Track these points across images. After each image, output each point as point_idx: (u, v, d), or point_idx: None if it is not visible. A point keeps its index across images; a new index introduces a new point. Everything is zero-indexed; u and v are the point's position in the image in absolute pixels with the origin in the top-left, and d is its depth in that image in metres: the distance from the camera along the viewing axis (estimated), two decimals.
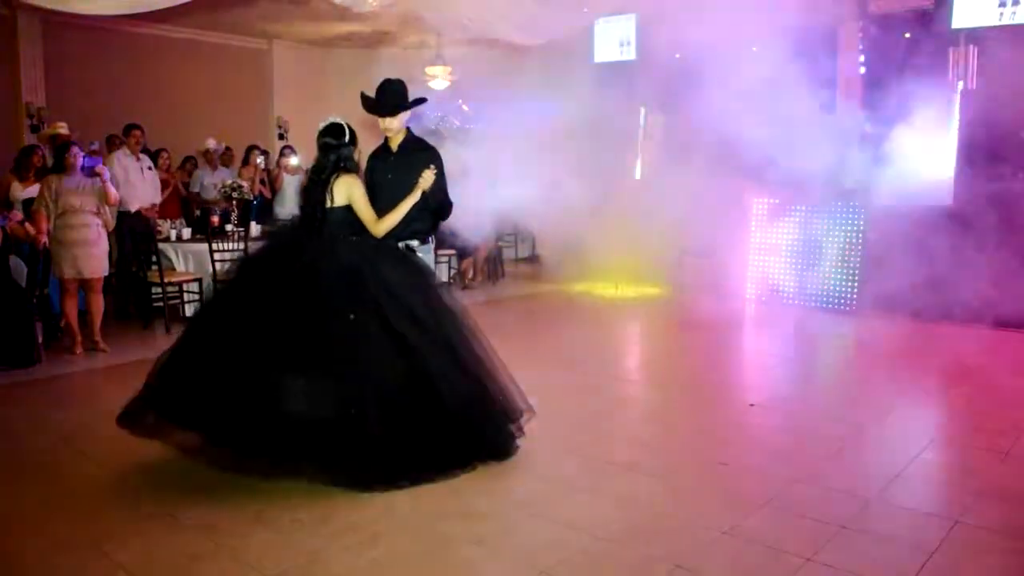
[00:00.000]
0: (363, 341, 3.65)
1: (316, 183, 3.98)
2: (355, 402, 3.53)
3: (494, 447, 3.85)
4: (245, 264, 4.27)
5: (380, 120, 4.22)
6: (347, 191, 3.93)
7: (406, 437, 3.59)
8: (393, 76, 4.30)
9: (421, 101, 4.36)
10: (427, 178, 4.07)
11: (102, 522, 3.26)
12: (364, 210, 3.97)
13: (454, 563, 2.95)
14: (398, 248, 4.11)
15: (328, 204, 3.92)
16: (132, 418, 3.74)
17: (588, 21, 9.06)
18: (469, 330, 3.99)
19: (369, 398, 3.55)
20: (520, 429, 3.97)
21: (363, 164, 4.47)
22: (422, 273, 4.08)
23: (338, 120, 4.02)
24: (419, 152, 4.23)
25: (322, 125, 4.02)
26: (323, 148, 4.00)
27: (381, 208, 4.08)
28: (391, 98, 4.18)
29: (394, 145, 4.27)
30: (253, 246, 5.94)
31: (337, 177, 3.94)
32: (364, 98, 4.24)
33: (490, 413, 3.86)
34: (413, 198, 4.05)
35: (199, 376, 3.64)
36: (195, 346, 3.80)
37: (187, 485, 3.57)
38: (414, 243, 4.23)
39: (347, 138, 3.99)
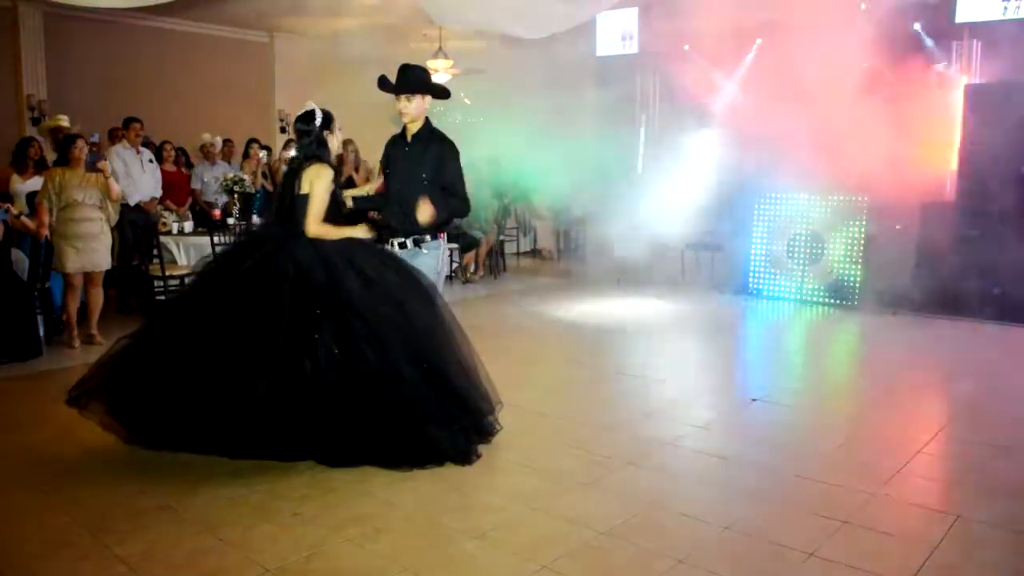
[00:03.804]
0: (304, 335, 3.63)
1: (291, 171, 4.02)
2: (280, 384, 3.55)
3: (450, 449, 3.77)
4: (218, 259, 4.28)
5: (396, 102, 4.16)
6: (311, 179, 3.89)
7: (342, 423, 3.61)
8: (394, 69, 4.23)
9: (443, 91, 4.30)
10: (424, 212, 3.99)
11: (102, 515, 3.26)
12: (316, 202, 3.86)
13: (456, 557, 2.94)
14: (363, 240, 4.04)
15: (296, 191, 3.92)
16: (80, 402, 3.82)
17: (591, 14, 9.02)
18: (440, 325, 3.93)
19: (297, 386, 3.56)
20: (483, 433, 3.94)
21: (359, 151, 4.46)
22: (388, 265, 3.99)
23: (311, 107, 4.02)
24: (434, 143, 4.16)
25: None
26: (297, 135, 4.04)
27: (395, 191, 4.16)
28: (410, 79, 4.14)
29: (410, 133, 4.21)
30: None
31: (309, 165, 3.93)
32: (382, 79, 4.21)
33: (447, 411, 3.79)
34: (359, 232, 3.96)
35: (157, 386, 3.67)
36: (154, 349, 3.79)
37: (187, 478, 3.56)
38: (427, 238, 4.18)
39: (318, 123, 3.98)
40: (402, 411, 3.67)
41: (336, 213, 3.99)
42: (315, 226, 3.86)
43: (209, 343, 3.63)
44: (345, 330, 3.68)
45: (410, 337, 3.78)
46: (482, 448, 3.91)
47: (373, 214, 7.88)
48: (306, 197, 3.86)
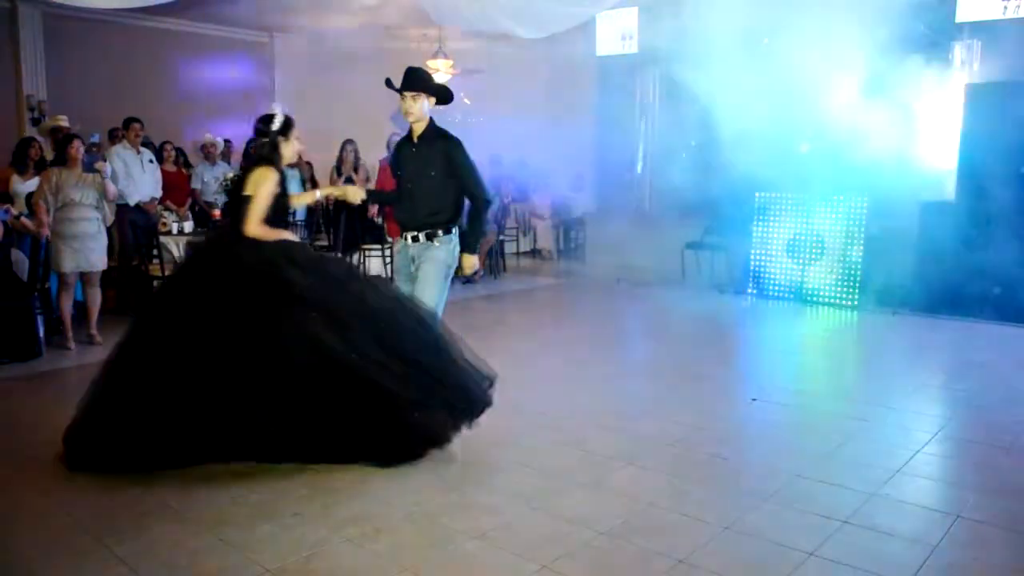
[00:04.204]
0: (264, 340, 3.61)
1: (242, 171, 4.07)
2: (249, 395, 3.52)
3: (431, 434, 3.76)
4: (174, 275, 4.33)
5: (401, 103, 4.27)
6: (256, 181, 3.88)
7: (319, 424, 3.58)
8: (394, 70, 4.38)
9: (446, 92, 4.37)
10: (470, 264, 4.39)
11: (102, 515, 3.26)
12: (257, 204, 3.84)
13: (455, 557, 2.94)
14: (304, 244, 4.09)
15: (242, 192, 3.92)
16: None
17: (591, 14, 9.02)
18: (402, 309, 3.94)
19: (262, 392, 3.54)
20: (465, 419, 3.88)
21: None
22: (330, 260, 4.10)
23: (275, 110, 4.04)
24: (438, 140, 4.29)
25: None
26: (254, 134, 4.05)
27: (406, 190, 4.30)
28: (413, 78, 4.26)
29: (416, 134, 4.33)
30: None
31: (257, 167, 3.93)
32: (388, 80, 4.35)
33: (426, 390, 3.75)
34: (281, 234, 3.93)
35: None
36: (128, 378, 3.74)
37: (188, 478, 3.56)
38: (439, 232, 4.28)
39: (276, 127, 3.98)
40: (379, 396, 3.63)
41: (278, 217, 3.98)
42: (254, 227, 3.85)
43: (177, 363, 3.60)
44: (306, 323, 3.67)
45: (376, 323, 3.78)
46: (480, 445, 3.91)
47: (372, 210, 7.88)
48: (249, 198, 3.87)
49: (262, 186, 3.86)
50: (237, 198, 3.94)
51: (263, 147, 3.99)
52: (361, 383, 3.64)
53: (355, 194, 4.56)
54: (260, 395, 3.54)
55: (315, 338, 3.65)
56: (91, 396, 3.79)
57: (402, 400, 3.68)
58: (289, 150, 4.06)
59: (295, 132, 4.08)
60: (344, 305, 3.79)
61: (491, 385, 3.99)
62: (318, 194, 4.79)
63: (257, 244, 3.84)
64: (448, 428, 3.80)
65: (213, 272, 3.84)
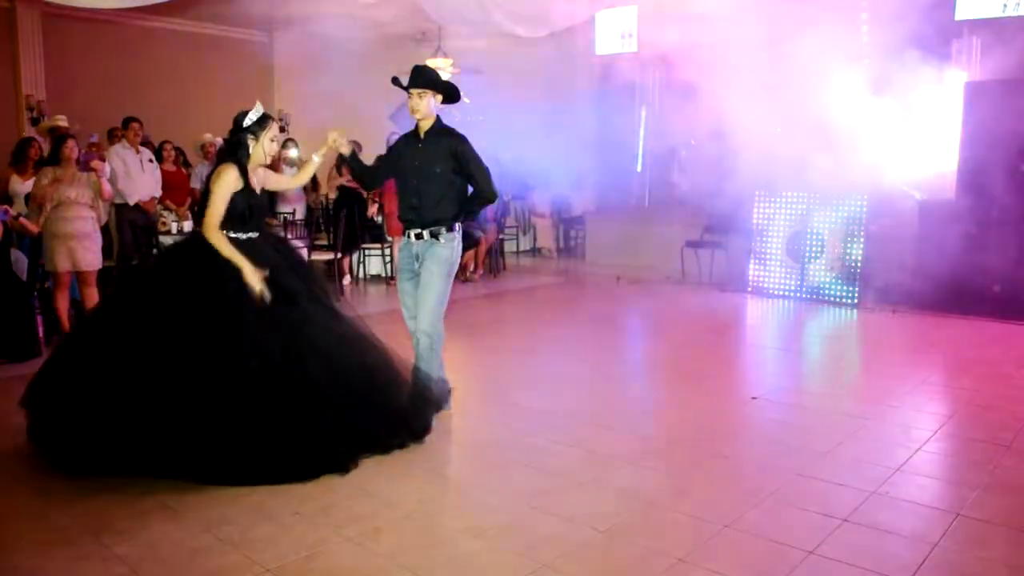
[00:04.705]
0: (212, 340, 3.56)
1: (213, 168, 3.98)
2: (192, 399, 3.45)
3: (374, 440, 3.74)
4: (151, 265, 4.33)
5: (408, 100, 4.29)
6: (213, 179, 3.80)
7: (252, 435, 3.48)
8: (394, 69, 4.45)
9: (452, 90, 4.36)
10: None
11: (102, 515, 3.26)
12: (212, 204, 3.75)
13: (455, 556, 2.94)
14: (271, 238, 4.07)
15: (206, 190, 3.87)
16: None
17: (590, 12, 9.02)
18: (347, 324, 3.97)
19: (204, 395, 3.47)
20: (393, 443, 3.86)
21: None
22: (293, 268, 4.03)
23: (255, 107, 3.96)
24: (444, 137, 4.29)
25: None
26: (232, 130, 3.97)
27: (411, 186, 4.27)
28: (421, 76, 4.26)
29: (422, 130, 4.34)
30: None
31: (220, 165, 3.87)
32: (395, 79, 4.38)
33: (367, 408, 3.72)
34: (240, 260, 3.74)
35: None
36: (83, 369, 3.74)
37: (187, 478, 3.56)
38: (442, 230, 4.28)
39: (246, 124, 3.89)
40: (278, 410, 3.55)
41: (250, 215, 3.89)
42: (211, 231, 3.75)
43: (125, 360, 3.57)
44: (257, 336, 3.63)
45: (296, 340, 3.72)
46: (480, 444, 3.92)
47: (372, 208, 7.89)
48: (207, 197, 3.81)
49: (217, 184, 3.77)
50: (202, 197, 3.89)
51: (231, 143, 3.92)
52: (262, 394, 3.54)
53: (343, 145, 4.39)
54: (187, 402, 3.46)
55: (261, 347, 3.59)
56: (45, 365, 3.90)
57: (300, 417, 3.58)
58: (260, 150, 3.95)
59: (270, 132, 3.97)
60: (281, 316, 3.72)
61: (438, 410, 4.05)
62: (316, 159, 4.46)
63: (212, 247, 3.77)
64: (354, 452, 3.70)
65: (173, 270, 3.84)
